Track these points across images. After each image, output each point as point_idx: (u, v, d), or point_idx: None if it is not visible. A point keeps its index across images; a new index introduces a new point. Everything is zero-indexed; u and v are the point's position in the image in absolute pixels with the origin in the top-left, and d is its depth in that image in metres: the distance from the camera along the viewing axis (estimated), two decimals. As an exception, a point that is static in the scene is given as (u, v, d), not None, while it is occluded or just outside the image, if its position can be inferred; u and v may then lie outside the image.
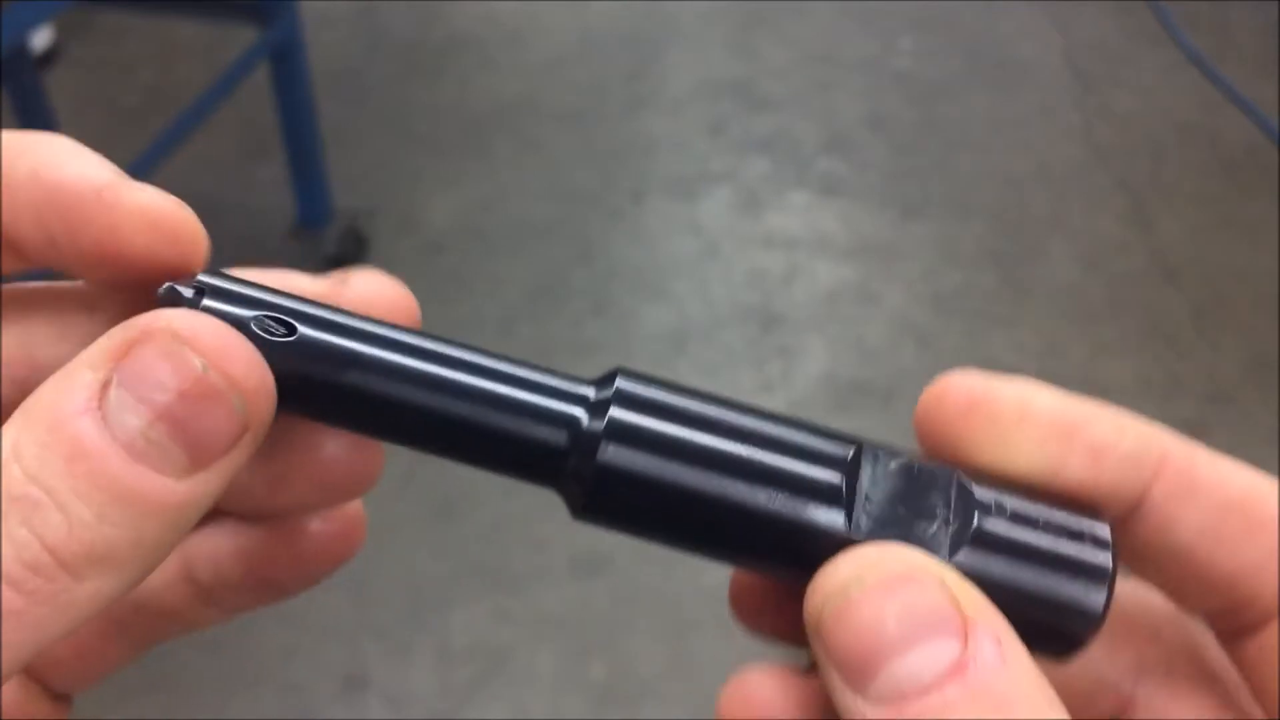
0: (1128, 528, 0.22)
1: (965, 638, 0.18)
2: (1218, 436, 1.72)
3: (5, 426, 0.17)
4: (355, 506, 0.23)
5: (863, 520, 0.20)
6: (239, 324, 0.19)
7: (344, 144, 2.17)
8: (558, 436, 0.20)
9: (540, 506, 1.62)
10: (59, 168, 0.20)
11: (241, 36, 1.79)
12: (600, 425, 0.20)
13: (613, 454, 0.20)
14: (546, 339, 1.83)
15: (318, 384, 0.20)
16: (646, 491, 0.20)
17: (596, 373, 0.22)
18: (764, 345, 1.87)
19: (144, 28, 2.55)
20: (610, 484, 0.20)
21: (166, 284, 0.20)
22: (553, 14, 2.68)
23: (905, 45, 2.59)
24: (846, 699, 0.18)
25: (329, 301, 0.21)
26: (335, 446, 0.22)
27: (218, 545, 0.24)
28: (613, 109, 2.40)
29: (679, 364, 1.81)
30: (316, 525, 0.23)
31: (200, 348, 0.18)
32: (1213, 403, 1.77)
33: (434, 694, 1.41)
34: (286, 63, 1.83)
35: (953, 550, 0.20)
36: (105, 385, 0.17)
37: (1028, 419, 0.21)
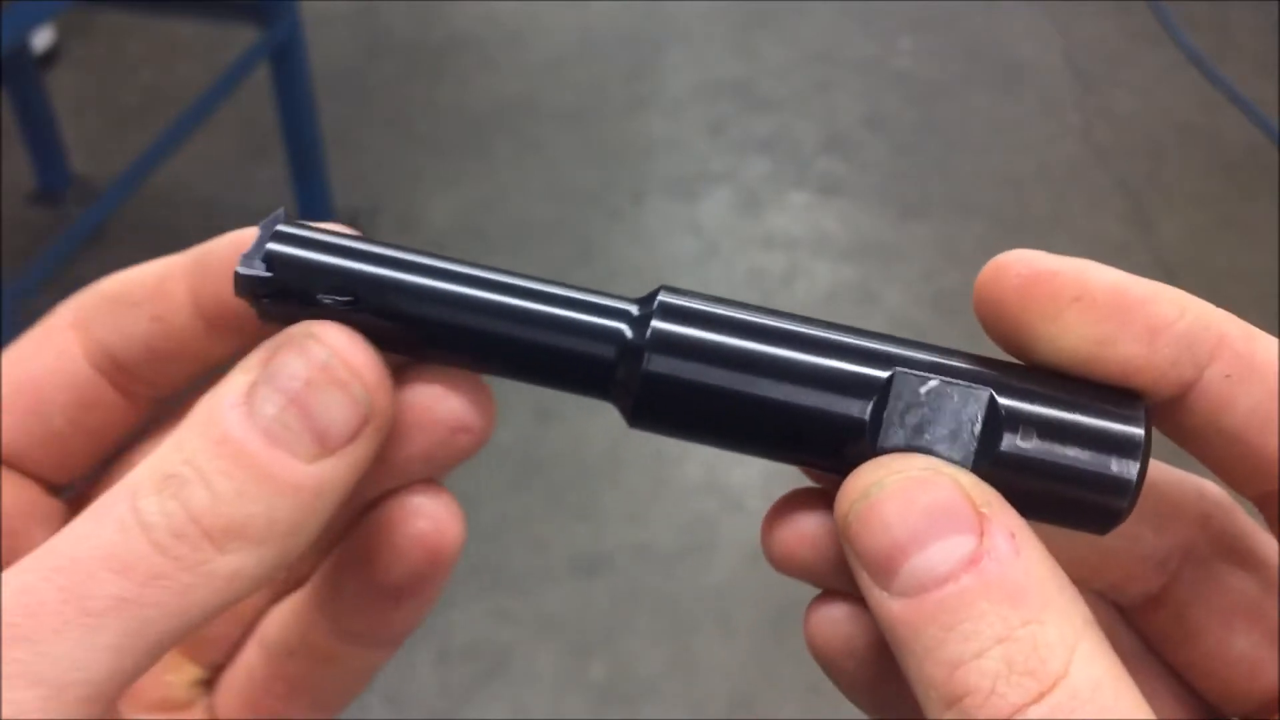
0: (1183, 407, 0.22)
1: (980, 533, 0.19)
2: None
3: (181, 422, 0.20)
4: (449, 499, 0.24)
5: (891, 434, 0.21)
6: (308, 299, 0.21)
7: (344, 144, 2.18)
8: (606, 350, 0.22)
9: (540, 506, 1.62)
10: (228, 237, 0.23)
11: (242, 36, 1.79)
12: (644, 338, 0.21)
13: (655, 363, 0.21)
14: (546, 339, 1.84)
15: (385, 330, 0.22)
16: (688, 397, 0.21)
17: None
18: (764, 345, 1.87)
19: (144, 28, 2.55)
20: (655, 391, 0.21)
21: (237, 268, 0.22)
22: (553, 14, 2.68)
23: (905, 45, 2.59)
24: (874, 596, 0.20)
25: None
26: (449, 396, 0.23)
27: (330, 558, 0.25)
28: (613, 109, 2.40)
29: (679, 364, 1.81)
30: (413, 509, 0.24)
31: (327, 343, 0.20)
32: (1213, 403, 1.77)
33: (434, 694, 1.41)
34: (287, 63, 1.83)
35: (978, 460, 0.21)
36: (255, 384, 0.20)
37: (1085, 295, 0.21)
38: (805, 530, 0.22)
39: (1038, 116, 2.39)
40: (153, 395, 0.25)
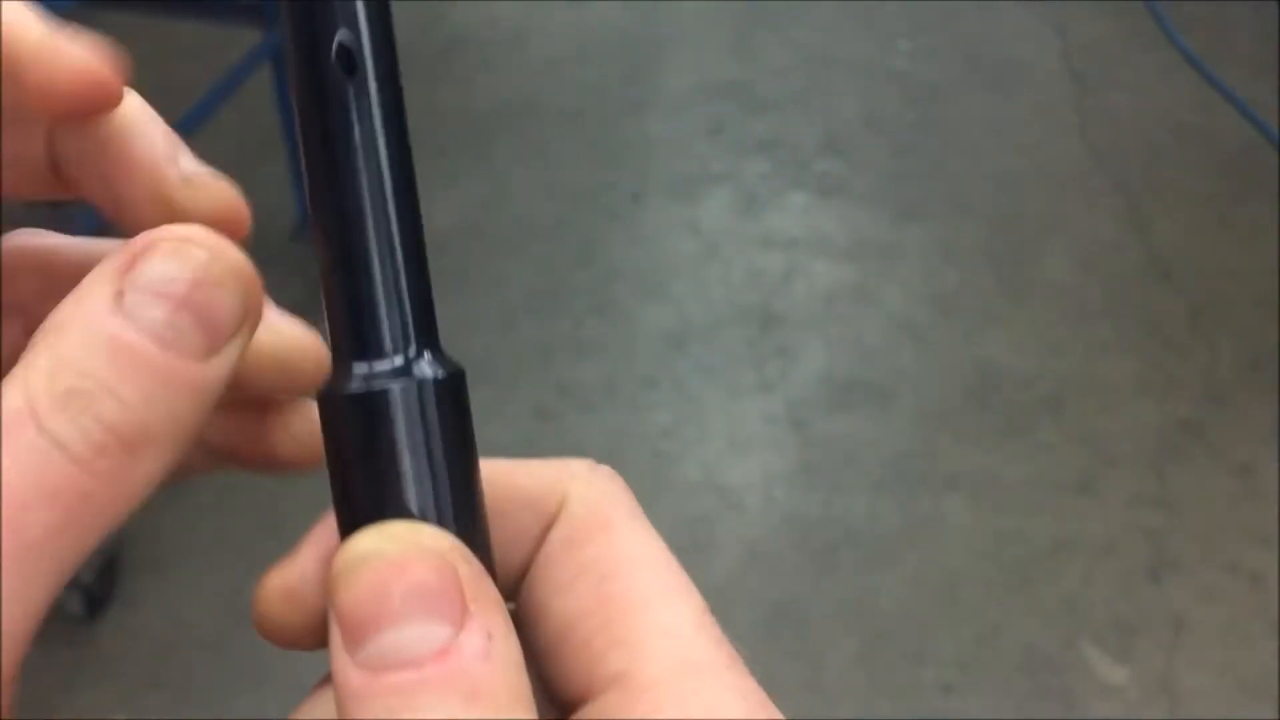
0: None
1: (460, 626, 0.19)
2: (1214, 436, 1.73)
3: (34, 347, 0.19)
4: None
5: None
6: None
7: (345, 145, 2.18)
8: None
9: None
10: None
11: (243, 38, 1.80)
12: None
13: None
14: (547, 339, 1.84)
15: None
16: None
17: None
18: (763, 345, 1.88)
19: (145, 29, 2.55)
20: None
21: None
22: (553, 15, 2.68)
23: (903, 46, 2.60)
24: (338, 656, 0.19)
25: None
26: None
27: None
28: (613, 109, 2.41)
29: (678, 364, 1.81)
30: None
31: (202, 244, 0.20)
32: (1209, 402, 1.78)
33: (435, 692, 1.41)
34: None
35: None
36: (119, 294, 0.19)
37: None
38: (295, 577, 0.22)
39: (1035, 117, 2.40)
40: None
